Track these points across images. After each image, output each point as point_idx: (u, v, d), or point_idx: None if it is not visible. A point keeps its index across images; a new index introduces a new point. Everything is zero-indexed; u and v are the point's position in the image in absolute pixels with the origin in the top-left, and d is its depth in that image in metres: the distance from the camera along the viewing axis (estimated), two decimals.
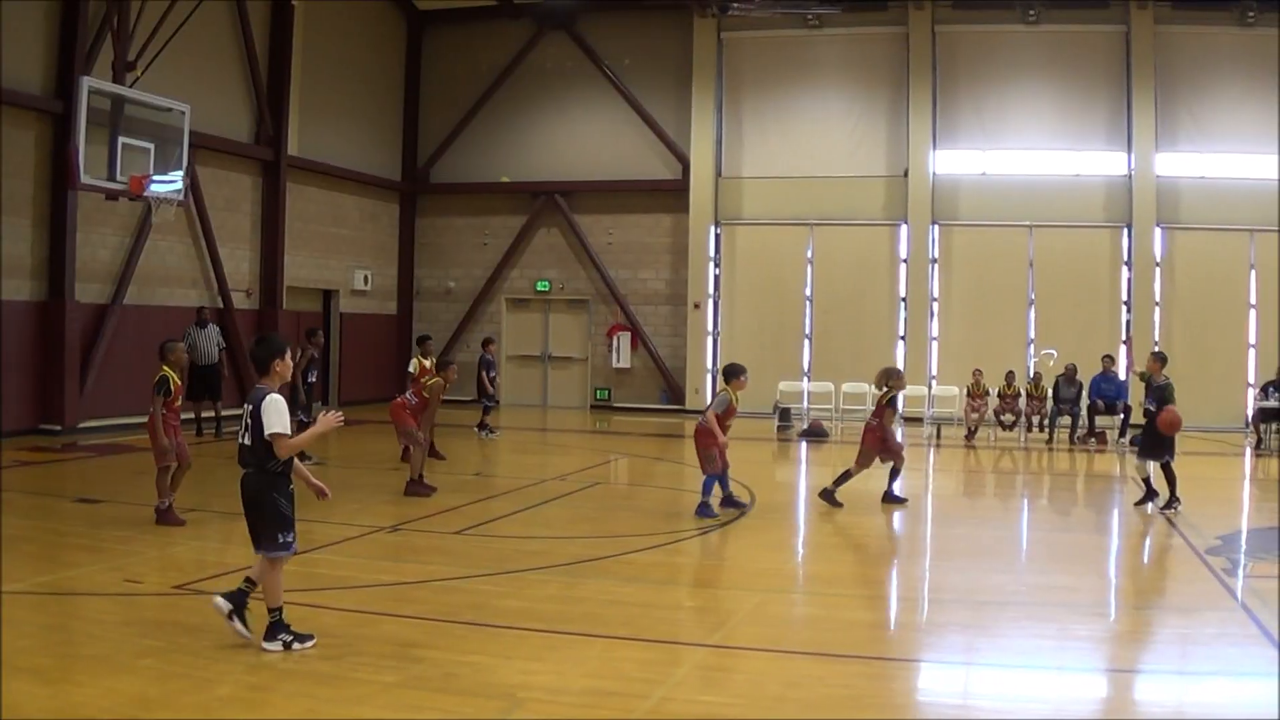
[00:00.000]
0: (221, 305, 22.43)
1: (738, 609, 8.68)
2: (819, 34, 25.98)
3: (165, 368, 11.32)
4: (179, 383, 11.44)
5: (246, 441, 7.13)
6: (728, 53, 26.80)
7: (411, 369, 15.10)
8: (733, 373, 12.89)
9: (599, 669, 6.98)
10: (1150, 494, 13.33)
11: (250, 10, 23.27)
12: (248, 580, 7.28)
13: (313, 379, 17.30)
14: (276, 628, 7.07)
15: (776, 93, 26.57)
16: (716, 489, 12.57)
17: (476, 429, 20.48)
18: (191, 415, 18.87)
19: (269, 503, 7.10)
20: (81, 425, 19.24)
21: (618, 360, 27.28)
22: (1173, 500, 12.96)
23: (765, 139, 26.64)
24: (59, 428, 18.85)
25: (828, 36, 26.03)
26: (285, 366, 7.32)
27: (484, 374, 20.69)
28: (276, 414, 7.01)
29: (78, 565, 9.53)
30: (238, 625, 7.11)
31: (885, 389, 13.48)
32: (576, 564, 9.96)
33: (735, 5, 25.47)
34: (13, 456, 16.23)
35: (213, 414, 19.66)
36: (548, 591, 8.97)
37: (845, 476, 13.28)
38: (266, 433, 6.99)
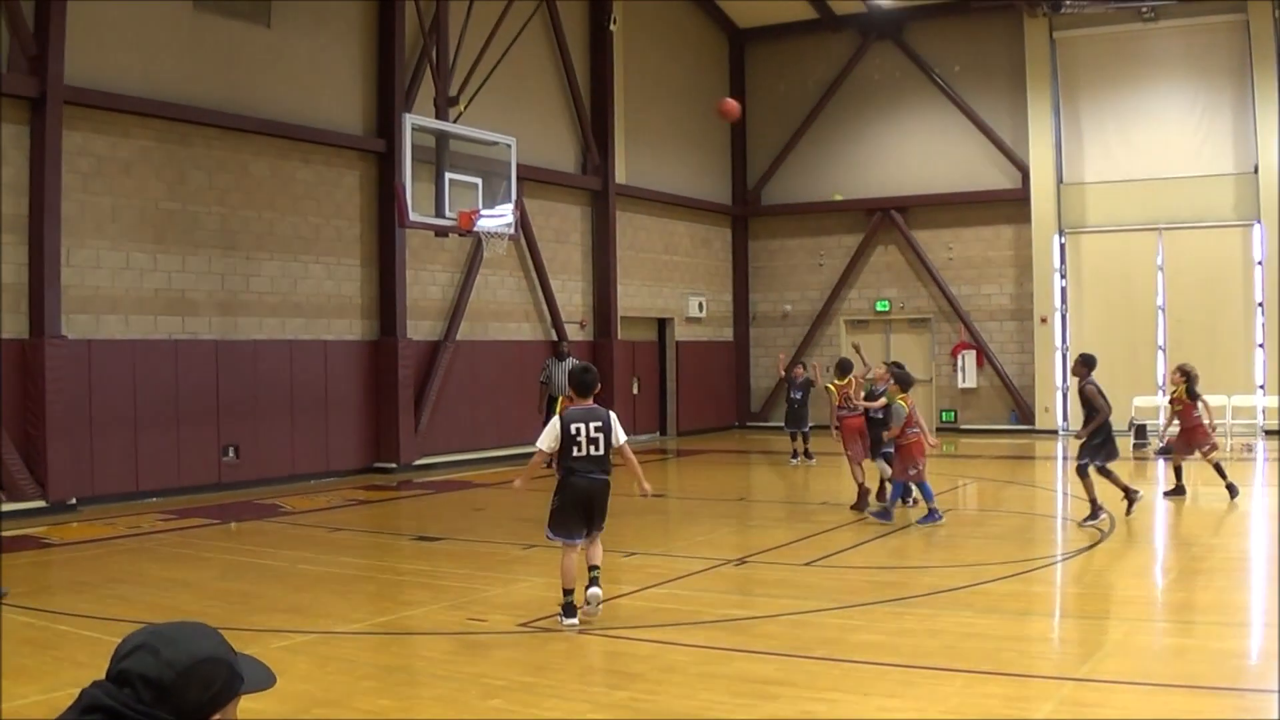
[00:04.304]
0: (555, 337, 22.79)
1: (1103, 640, 8.40)
2: (1155, 27, 24.89)
3: None
4: None
5: (598, 452, 8.50)
6: (1061, 53, 26.00)
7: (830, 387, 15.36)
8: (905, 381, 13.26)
9: (961, 705, 6.72)
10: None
11: (568, 39, 23.46)
12: (593, 568, 8.62)
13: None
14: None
15: (1114, 91, 25.53)
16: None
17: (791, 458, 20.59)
18: None
19: (608, 499, 8.70)
20: (417, 463, 19.59)
21: (963, 380, 26.68)
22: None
23: (1105, 141, 25.65)
24: (394, 465, 19.26)
25: (1164, 29, 24.88)
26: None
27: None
28: (622, 427, 8.66)
29: (418, 604, 9.74)
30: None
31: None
32: (930, 595, 9.64)
33: (1067, 3, 24.64)
34: (349, 495, 16.89)
35: None
36: (903, 624, 8.75)
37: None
38: (619, 442, 8.55)
